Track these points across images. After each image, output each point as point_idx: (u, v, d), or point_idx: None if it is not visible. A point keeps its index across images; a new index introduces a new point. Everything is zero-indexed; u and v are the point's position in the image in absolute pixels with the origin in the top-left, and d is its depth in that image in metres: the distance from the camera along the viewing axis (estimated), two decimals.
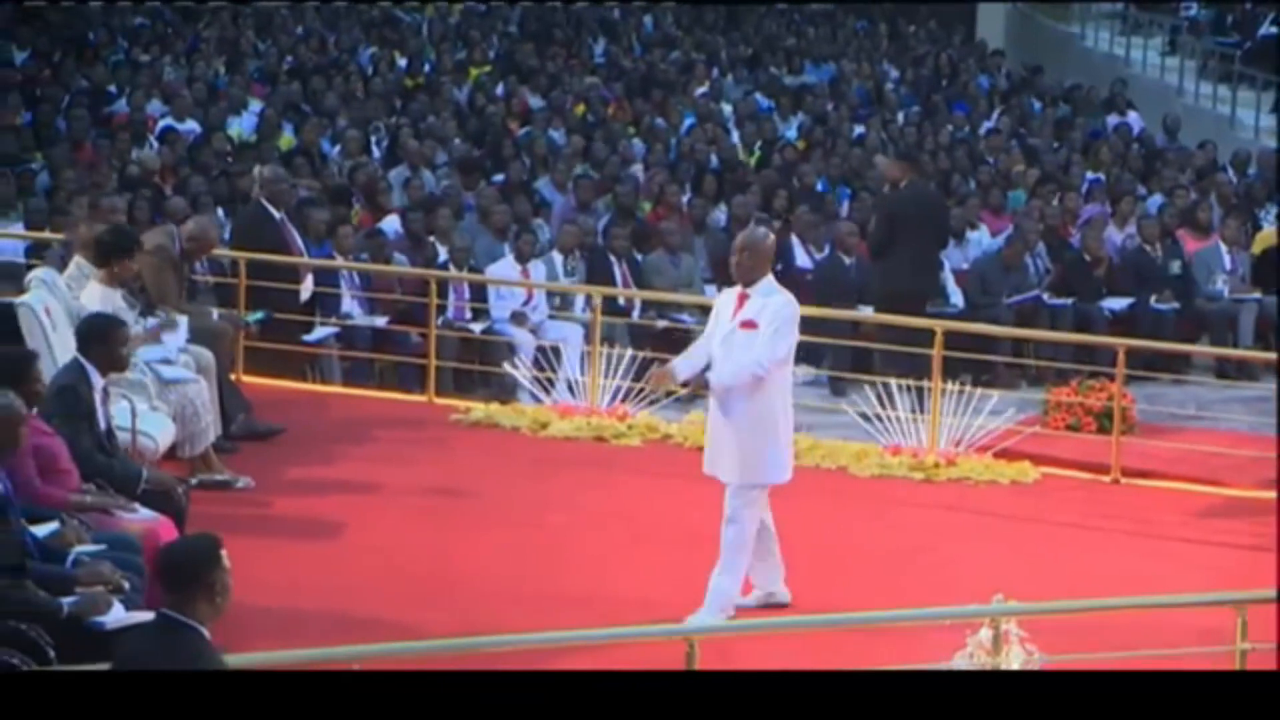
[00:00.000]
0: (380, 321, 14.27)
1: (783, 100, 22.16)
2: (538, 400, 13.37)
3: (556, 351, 13.90)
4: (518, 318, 14.70)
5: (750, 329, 9.03)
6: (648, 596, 9.39)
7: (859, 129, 20.86)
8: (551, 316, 14.97)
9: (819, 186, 18.17)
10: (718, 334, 9.18)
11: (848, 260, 15.52)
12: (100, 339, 9.25)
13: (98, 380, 9.22)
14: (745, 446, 9.05)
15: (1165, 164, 19.52)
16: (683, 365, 9.31)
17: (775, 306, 9.06)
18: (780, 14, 29.20)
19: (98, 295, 10.60)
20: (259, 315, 12.85)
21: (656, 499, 11.39)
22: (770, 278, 9.18)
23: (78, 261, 11.15)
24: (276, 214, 13.76)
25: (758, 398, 9.03)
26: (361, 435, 12.33)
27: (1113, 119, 22.28)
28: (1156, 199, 18.14)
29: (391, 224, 15.73)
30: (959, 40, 27.54)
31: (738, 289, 9.17)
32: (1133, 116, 22.54)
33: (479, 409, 13.01)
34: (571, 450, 12.37)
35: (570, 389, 13.30)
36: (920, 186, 14.62)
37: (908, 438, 12.31)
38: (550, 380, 13.40)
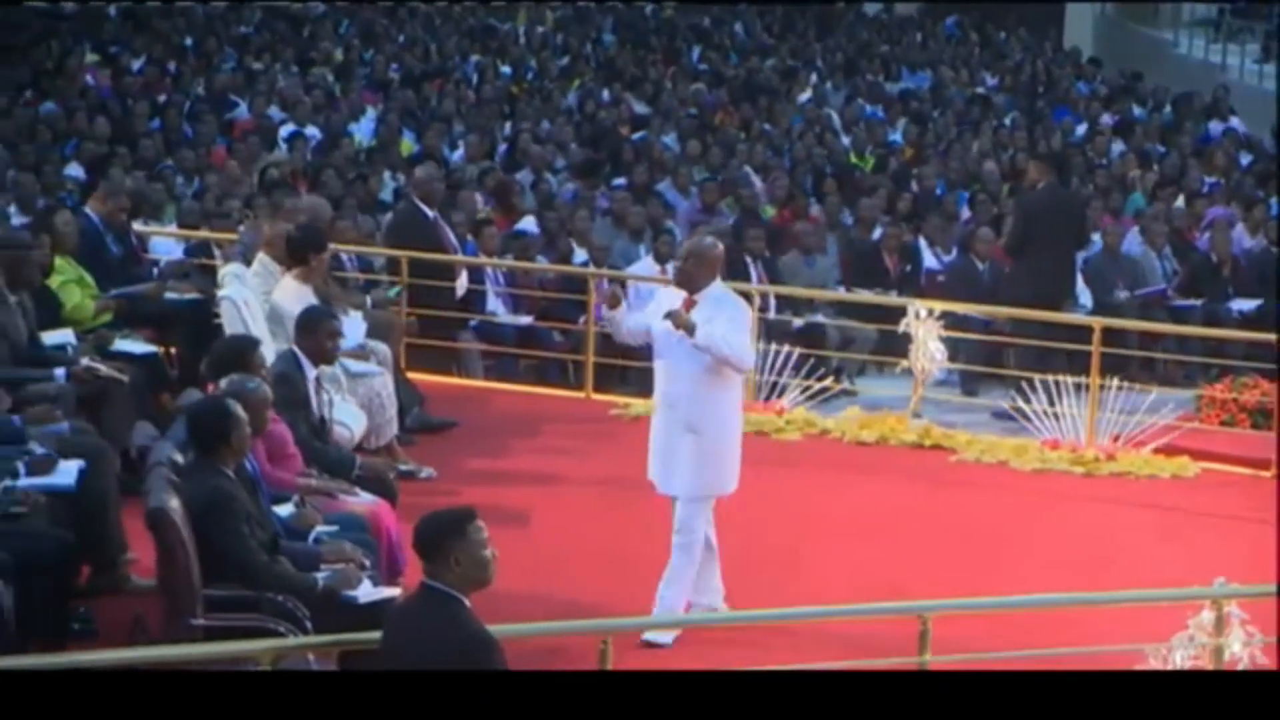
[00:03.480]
0: (527, 319, 14.53)
1: (886, 106, 22.37)
2: None
3: None
4: None
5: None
6: (828, 583, 9.68)
7: (964, 133, 21.05)
8: None
9: (938, 190, 18.37)
10: (661, 338, 9.01)
11: (980, 265, 15.69)
12: (314, 331, 9.58)
13: (310, 371, 9.54)
14: (704, 459, 8.96)
15: None
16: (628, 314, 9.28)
17: (729, 312, 8.92)
18: (870, 20, 29.43)
19: (293, 292, 10.85)
20: (395, 290, 13.16)
21: (820, 491, 11.73)
22: (718, 282, 9.02)
23: (262, 259, 11.41)
24: (430, 213, 14.04)
25: (719, 408, 8.97)
26: (529, 429, 12.59)
27: (1215, 125, 22.42)
28: (1275, 202, 18.26)
29: (528, 225, 15.99)
30: (1050, 47, 27.68)
31: (683, 294, 8.97)
32: (1234, 122, 22.67)
33: (639, 404, 13.20)
34: None
35: None
36: (1058, 188, 14.78)
37: (1065, 433, 12.49)
38: None
